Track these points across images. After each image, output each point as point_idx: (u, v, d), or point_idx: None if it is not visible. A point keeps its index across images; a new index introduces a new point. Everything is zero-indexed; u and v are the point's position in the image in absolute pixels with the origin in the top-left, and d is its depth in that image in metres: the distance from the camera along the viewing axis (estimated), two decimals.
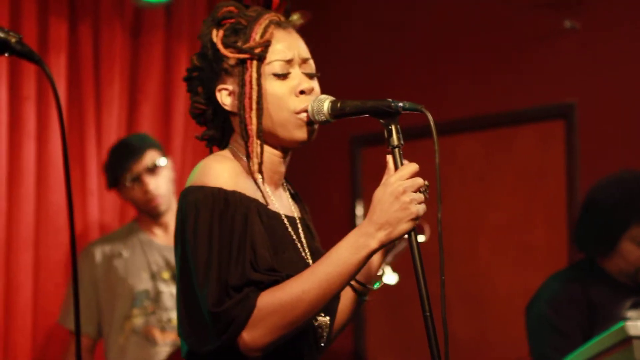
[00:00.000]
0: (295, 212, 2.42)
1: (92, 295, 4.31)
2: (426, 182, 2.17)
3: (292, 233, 2.32)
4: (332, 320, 2.33)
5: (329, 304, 2.22)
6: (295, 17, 2.43)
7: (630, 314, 3.87)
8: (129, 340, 4.25)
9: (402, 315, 5.31)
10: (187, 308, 2.21)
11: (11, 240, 4.55)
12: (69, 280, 4.52)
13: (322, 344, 2.32)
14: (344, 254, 2.12)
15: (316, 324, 2.29)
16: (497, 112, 5.13)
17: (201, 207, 2.16)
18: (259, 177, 2.29)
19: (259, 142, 2.27)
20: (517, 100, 5.07)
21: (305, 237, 2.38)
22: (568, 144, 4.88)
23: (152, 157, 4.32)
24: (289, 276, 2.15)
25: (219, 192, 2.17)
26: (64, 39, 4.83)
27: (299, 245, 2.32)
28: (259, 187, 2.27)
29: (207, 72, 2.36)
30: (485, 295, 5.11)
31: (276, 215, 2.29)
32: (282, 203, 2.36)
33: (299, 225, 2.38)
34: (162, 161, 4.33)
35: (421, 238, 4.15)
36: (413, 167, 2.16)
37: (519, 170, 5.06)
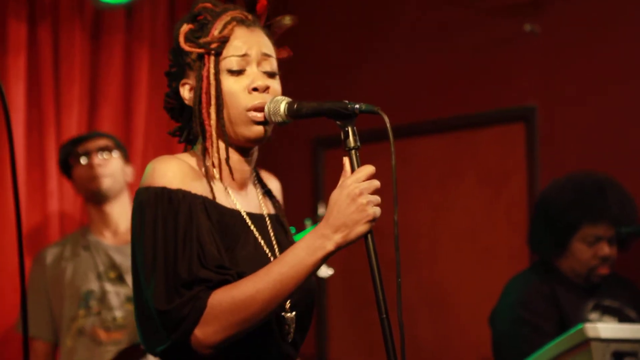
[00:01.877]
0: (265, 209, 2.41)
1: (44, 299, 4.30)
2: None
3: (255, 230, 2.31)
4: (301, 315, 2.33)
5: (298, 299, 2.25)
6: (287, 18, 2.43)
7: (592, 316, 3.90)
8: (76, 342, 4.23)
9: (365, 317, 5.31)
10: (139, 309, 2.22)
11: None
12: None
13: (292, 339, 2.32)
14: (300, 254, 2.12)
15: (284, 317, 2.29)
16: (457, 115, 5.15)
17: (145, 207, 2.17)
18: (215, 174, 2.29)
19: (217, 135, 2.27)
20: (478, 103, 5.09)
21: (276, 234, 2.37)
22: (528, 147, 4.90)
23: (107, 143, 4.36)
24: (240, 273, 2.16)
25: (162, 191, 2.18)
26: (23, 40, 4.80)
27: (262, 241, 2.31)
28: (209, 185, 2.27)
29: (175, 67, 2.37)
30: (448, 298, 5.13)
31: (232, 213, 2.28)
32: (247, 201, 2.36)
33: (268, 222, 2.38)
34: (115, 152, 4.36)
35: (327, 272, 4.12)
36: (369, 169, 2.15)
37: (480, 173, 5.08)
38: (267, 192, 2.49)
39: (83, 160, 4.34)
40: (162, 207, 2.16)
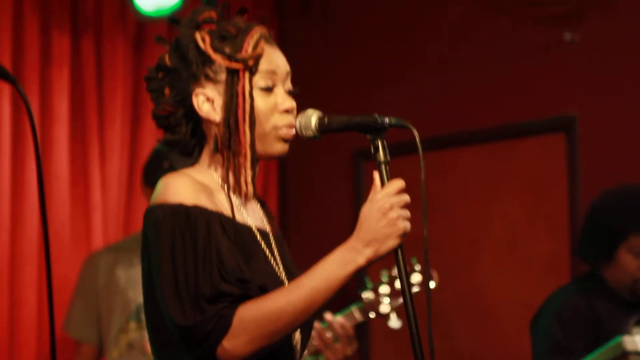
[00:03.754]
0: (267, 226, 2.41)
1: (93, 304, 4.31)
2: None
3: (264, 245, 2.32)
4: (305, 337, 2.34)
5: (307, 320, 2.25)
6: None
7: (636, 331, 3.88)
8: (124, 355, 4.24)
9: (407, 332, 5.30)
10: (155, 328, 2.23)
11: (15, 256, 4.56)
12: (73, 290, 4.52)
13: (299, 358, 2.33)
14: (331, 268, 2.13)
15: (293, 337, 2.30)
16: (498, 125, 5.14)
17: (162, 225, 2.16)
18: (249, 189, 2.30)
19: (252, 152, 2.27)
20: (518, 113, 5.08)
21: (279, 252, 2.38)
22: (569, 157, 4.89)
23: None
24: (262, 286, 2.17)
25: (179, 207, 2.16)
26: (66, 52, 4.85)
27: (270, 258, 2.32)
28: (229, 200, 2.28)
29: (182, 74, 2.32)
30: (489, 308, 5.11)
31: (246, 228, 2.29)
32: (254, 216, 2.36)
33: (272, 240, 2.38)
34: None
35: (432, 284, 4.18)
36: (399, 183, 2.16)
37: (520, 183, 5.07)
38: (267, 211, 2.48)
39: None
40: (179, 223, 2.15)
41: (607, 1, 4.82)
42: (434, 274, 3.98)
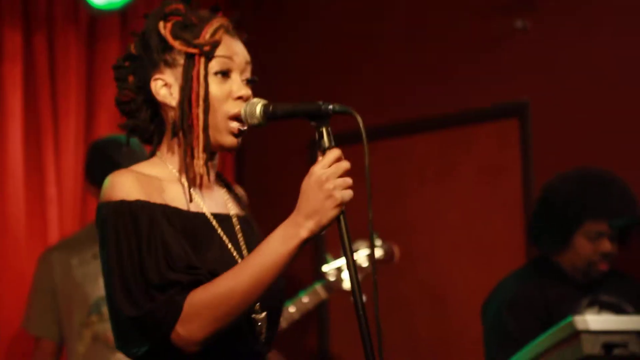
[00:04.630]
0: (231, 209, 2.45)
1: (50, 299, 4.31)
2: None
3: (221, 231, 2.35)
4: (272, 315, 2.36)
5: (267, 300, 2.28)
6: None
7: (589, 312, 3.92)
8: (90, 348, 4.24)
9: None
10: (114, 316, 2.24)
11: None
12: (30, 287, 4.51)
13: (264, 339, 2.35)
14: (275, 244, 2.17)
15: (254, 319, 2.32)
16: (452, 112, 5.18)
17: (107, 222, 2.22)
18: (202, 171, 2.33)
19: (204, 136, 2.31)
20: (472, 99, 5.12)
21: (244, 235, 2.41)
22: (522, 142, 4.93)
23: None
24: (212, 272, 2.20)
25: (122, 204, 2.21)
26: (18, 48, 4.83)
27: (228, 242, 2.35)
28: (182, 187, 2.33)
29: (143, 60, 2.38)
30: (446, 294, 5.15)
31: (196, 216, 2.32)
32: (213, 201, 2.40)
33: (235, 223, 2.42)
34: None
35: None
36: (334, 153, 2.19)
37: (475, 168, 5.11)
38: (234, 195, 2.52)
39: None
40: (122, 219, 2.20)
41: None
42: (395, 250, 4.02)
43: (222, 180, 2.51)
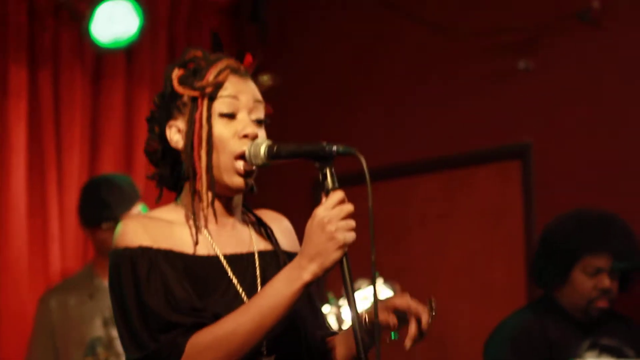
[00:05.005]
0: (256, 246, 2.43)
1: (50, 342, 4.31)
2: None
3: (231, 272, 2.34)
4: (283, 357, 2.34)
5: (275, 341, 2.26)
6: (265, 78, 2.47)
7: (589, 355, 3.91)
8: None
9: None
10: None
11: None
12: (31, 328, 4.50)
13: None
14: (278, 286, 2.17)
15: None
16: (455, 153, 5.19)
17: (112, 269, 2.26)
18: (210, 214, 2.34)
19: (208, 177, 2.31)
20: (475, 141, 5.13)
21: (264, 271, 2.39)
22: (524, 183, 4.94)
23: (138, 209, 4.29)
24: (216, 314, 2.20)
25: (124, 252, 2.25)
26: (23, 84, 4.85)
27: (237, 284, 2.34)
28: (193, 231, 2.33)
29: (162, 110, 2.41)
30: (446, 335, 5.14)
31: (205, 258, 2.32)
32: (231, 241, 2.39)
33: (257, 259, 2.40)
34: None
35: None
36: (338, 195, 2.18)
37: (477, 210, 5.11)
38: (265, 231, 2.50)
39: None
40: (125, 266, 2.23)
41: (561, 30, 4.89)
42: (397, 287, 3.99)
43: (250, 217, 2.50)
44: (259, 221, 2.51)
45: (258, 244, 2.45)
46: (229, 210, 2.40)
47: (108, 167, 5.08)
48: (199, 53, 2.41)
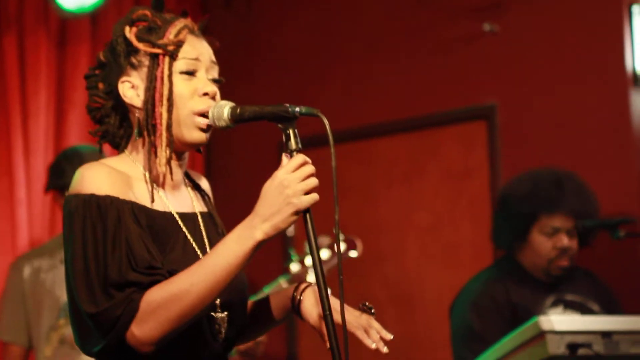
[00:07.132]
0: (197, 207, 2.46)
1: (21, 307, 4.32)
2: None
3: (186, 230, 2.36)
4: (233, 315, 2.37)
5: (228, 298, 2.29)
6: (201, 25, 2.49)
7: (553, 311, 3.96)
8: (57, 351, 4.25)
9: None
10: (73, 312, 2.26)
11: None
12: (1, 294, 4.51)
13: (223, 338, 2.36)
14: (230, 245, 2.18)
15: (214, 318, 2.33)
16: (420, 115, 5.22)
17: (74, 214, 2.22)
18: (164, 170, 2.34)
19: (167, 134, 2.32)
20: (440, 102, 5.16)
21: (207, 231, 2.42)
22: (490, 144, 4.98)
23: None
24: (171, 272, 2.21)
25: (91, 198, 2.22)
26: None
27: (192, 240, 2.36)
28: (148, 186, 2.34)
29: (111, 66, 2.40)
30: (414, 294, 5.19)
31: (163, 215, 2.34)
32: (179, 201, 2.41)
33: (200, 220, 2.43)
34: None
35: (353, 253, 4.23)
36: (299, 159, 2.20)
37: (443, 171, 5.15)
38: (199, 191, 2.54)
39: None
40: (90, 213, 2.21)
41: None
42: (358, 242, 4.03)
43: (188, 179, 2.53)
44: (192, 182, 2.54)
45: (198, 204, 2.48)
46: (180, 169, 2.42)
47: (74, 132, 5.08)
48: (147, 12, 2.42)
